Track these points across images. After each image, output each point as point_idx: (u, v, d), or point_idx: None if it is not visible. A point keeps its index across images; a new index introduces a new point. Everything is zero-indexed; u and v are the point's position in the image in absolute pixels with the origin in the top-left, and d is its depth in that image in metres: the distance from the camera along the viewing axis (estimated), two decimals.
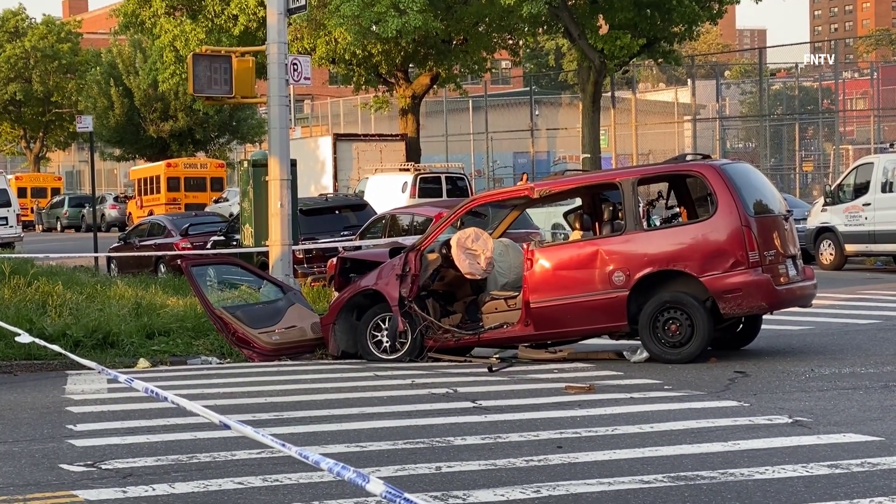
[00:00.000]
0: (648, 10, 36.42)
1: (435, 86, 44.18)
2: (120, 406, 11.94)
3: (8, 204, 39.84)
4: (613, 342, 15.56)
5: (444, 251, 15.28)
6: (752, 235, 14.06)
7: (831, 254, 28.25)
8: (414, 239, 17.44)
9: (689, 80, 58.45)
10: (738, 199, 14.14)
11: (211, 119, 62.84)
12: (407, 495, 4.65)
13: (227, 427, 6.10)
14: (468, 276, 15.21)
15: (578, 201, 16.88)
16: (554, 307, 14.49)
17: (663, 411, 10.88)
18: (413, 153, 42.25)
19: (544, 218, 28.88)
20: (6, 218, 39.47)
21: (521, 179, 36.79)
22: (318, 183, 42.32)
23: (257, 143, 66.58)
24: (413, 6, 34.10)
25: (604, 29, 36.97)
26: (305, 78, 18.89)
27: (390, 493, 4.68)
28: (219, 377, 14.23)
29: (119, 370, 13.67)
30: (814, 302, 15.81)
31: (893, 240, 27.04)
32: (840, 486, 7.87)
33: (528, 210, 19.27)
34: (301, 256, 22.65)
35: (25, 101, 77.50)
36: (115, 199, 64.40)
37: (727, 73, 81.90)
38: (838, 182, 29.08)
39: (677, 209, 15.73)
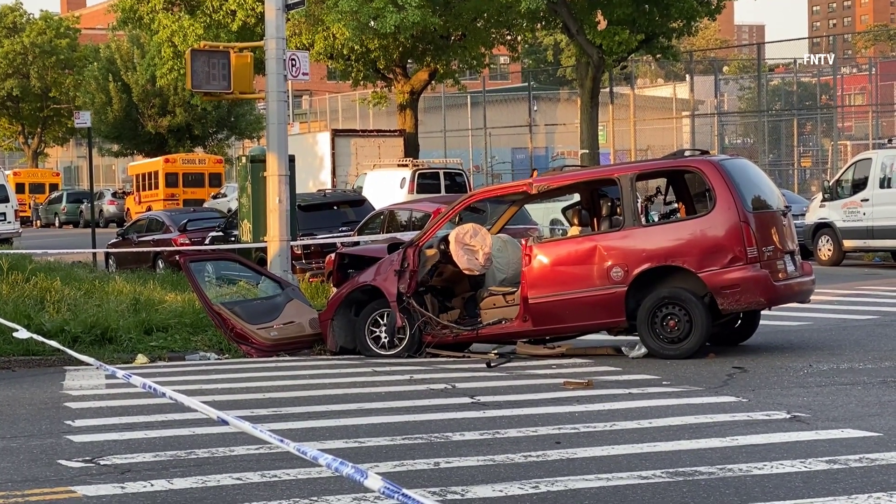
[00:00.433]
0: (647, 6, 36.41)
1: (433, 81, 44.17)
2: (118, 402, 11.94)
3: (6, 200, 39.81)
4: (612, 338, 15.55)
5: (442, 247, 15.27)
6: (751, 231, 14.06)
7: (829, 249, 28.26)
8: (412, 235, 17.45)
9: (687, 75, 58.48)
10: (737, 195, 14.14)
11: (209, 115, 62.82)
12: (405, 491, 4.65)
13: (225, 423, 6.10)
14: (466, 272, 15.21)
15: (577, 197, 16.88)
16: (552, 303, 14.49)
17: (661, 407, 10.88)
18: (411, 149, 42.24)
19: (543, 214, 28.89)
20: (4, 214, 39.44)
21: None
22: (316, 179, 42.30)
23: (255, 139, 66.59)
24: (411, 2, 34.07)
25: (602, 24, 36.96)
26: (304, 73, 18.88)
27: (388, 488, 4.68)
28: (217, 373, 14.23)
29: (117, 366, 13.66)
30: (812, 298, 15.80)
31: (891, 235, 27.05)
32: (838, 482, 7.87)
33: (526, 206, 19.27)
34: (299, 252, 22.64)
35: (23, 96, 77.47)
36: (114, 194, 64.37)
37: (725, 68, 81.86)
38: (836, 178, 29.09)
39: (675, 205, 15.73)
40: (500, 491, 7.81)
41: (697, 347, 14.10)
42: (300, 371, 14.19)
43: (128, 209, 58.91)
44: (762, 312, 15.41)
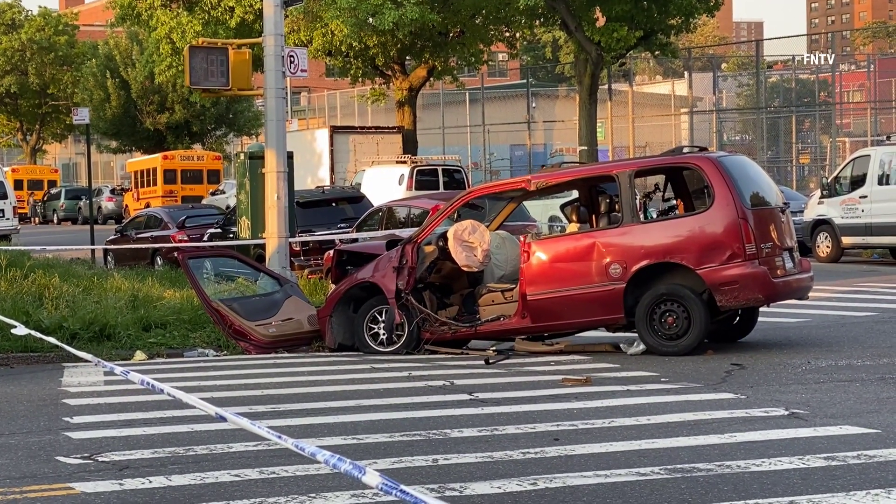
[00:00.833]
0: (645, 3, 36.38)
1: (431, 78, 44.13)
2: (116, 398, 11.93)
3: (4, 196, 39.80)
4: (610, 334, 15.57)
5: (440, 243, 15.27)
6: (749, 228, 14.05)
7: (828, 246, 28.27)
8: (411, 231, 17.44)
9: (685, 72, 58.48)
10: (735, 192, 14.13)
11: (207, 111, 62.78)
12: (403, 487, 4.65)
13: (223, 419, 6.09)
14: (465, 269, 15.21)
15: (575, 194, 16.87)
16: (551, 300, 14.49)
17: (660, 403, 10.89)
18: (410, 145, 42.22)
19: (541, 210, 28.87)
20: (3, 210, 39.43)
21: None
22: (314, 175, 42.28)
23: (254, 136, 66.52)
24: None
25: (601, 21, 36.92)
26: (302, 70, 18.87)
27: (387, 485, 4.68)
28: (215, 369, 14.23)
29: (116, 362, 13.67)
30: (810, 294, 15.81)
31: (890, 232, 27.05)
32: (836, 479, 7.87)
33: (524, 202, 19.27)
34: (298, 249, 22.64)
35: (22, 93, 77.43)
36: (112, 191, 64.36)
37: (724, 65, 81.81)
38: (835, 174, 29.09)
39: (674, 201, 15.73)
40: (499, 488, 7.81)
41: (696, 344, 14.10)
42: (298, 368, 14.18)
43: (126, 206, 58.89)
44: (761, 309, 15.41)
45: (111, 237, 31.85)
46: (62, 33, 77.71)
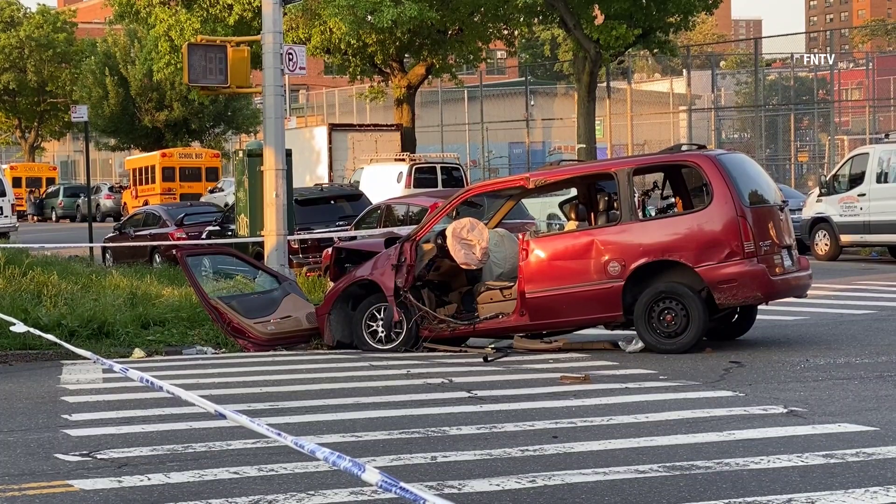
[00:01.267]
0: (644, 0, 36.37)
1: (430, 76, 44.11)
2: (115, 396, 11.93)
3: (3, 194, 39.78)
4: (609, 332, 15.57)
5: (439, 241, 15.27)
6: (748, 226, 14.06)
7: (826, 244, 28.27)
8: (409, 229, 17.44)
9: (684, 70, 58.50)
10: (734, 190, 14.13)
11: (206, 109, 62.76)
12: (403, 485, 4.65)
13: (222, 417, 6.09)
14: (464, 267, 15.21)
15: (574, 191, 16.87)
16: (549, 297, 14.49)
17: (658, 401, 10.89)
18: (408, 143, 42.20)
19: (540, 208, 28.87)
20: (1, 208, 39.41)
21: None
22: (313, 173, 42.26)
23: (252, 133, 66.53)
24: None
25: (599, 19, 36.92)
26: (301, 68, 18.86)
27: (386, 482, 4.68)
28: (214, 367, 14.23)
29: (114, 360, 13.66)
30: (809, 292, 15.82)
31: (888, 230, 27.06)
32: (835, 476, 7.87)
33: (523, 200, 19.26)
34: (296, 246, 22.63)
35: (20, 90, 77.37)
36: (111, 188, 64.34)
37: (723, 63, 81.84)
38: (833, 172, 29.09)
39: (673, 199, 15.73)
40: (497, 485, 7.81)
41: (694, 342, 14.10)
42: (297, 365, 14.18)
43: (125, 203, 58.86)
44: (759, 307, 15.41)
45: (110, 235, 31.83)
46: (61, 30, 77.66)
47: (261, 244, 19.18)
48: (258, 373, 13.54)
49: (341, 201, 25.65)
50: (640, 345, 14.34)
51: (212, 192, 52.15)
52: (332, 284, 16.50)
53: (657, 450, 8.81)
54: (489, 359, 14.09)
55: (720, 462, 8.32)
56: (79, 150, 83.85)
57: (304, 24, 39.79)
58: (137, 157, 61.35)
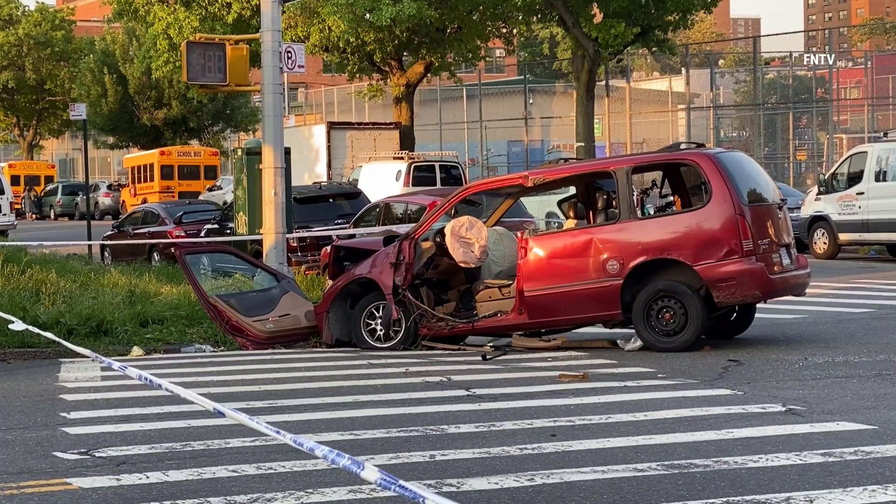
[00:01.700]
0: None
1: (429, 74, 44.13)
2: (114, 394, 11.93)
3: (1, 192, 39.76)
4: (607, 331, 15.57)
5: (438, 239, 15.27)
6: (746, 224, 14.05)
7: (825, 243, 28.28)
8: (408, 227, 17.44)
9: (683, 68, 58.48)
10: (732, 188, 14.13)
11: (205, 107, 62.73)
12: (402, 482, 4.65)
13: (221, 415, 6.09)
14: (462, 265, 15.20)
15: (573, 190, 16.87)
16: (548, 295, 14.49)
17: (657, 399, 10.89)
18: (407, 141, 42.21)
19: (538, 206, 28.87)
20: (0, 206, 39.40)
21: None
22: (311, 171, 42.27)
23: (251, 132, 66.48)
24: None
25: (598, 17, 36.91)
26: (299, 66, 18.85)
27: (385, 480, 4.68)
28: (213, 365, 14.23)
29: (113, 358, 13.65)
30: (807, 291, 15.82)
31: (887, 229, 27.07)
32: (833, 475, 7.88)
33: (522, 198, 19.26)
34: (295, 245, 22.63)
35: (19, 88, 77.34)
36: (109, 187, 64.30)
37: (721, 61, 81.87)
38: (832, 171, 29.09)
39: (671, 198, 15.73)
40: (496, 483, 7.81)
41: (693, 340, 14.10)
42: (296, 363, 14.18)
43: (123, 201, 58.83)
44: (758, 305, 15.41)
45: (108, 233, 31.82)
46: (59, 28, 77.61)
47: (259, 242, 19.18)
48: (257, 371, 13.54)
49: (340, 199, 25.65)
50: (639, 343, 14.34)
51: (210, 190, 52.12)
52: (330, 282, 16.50)
53: (656, 448, 8.81)
54: (488, 357, 14.09)
55: (719, 460, 8.32)
56: (77, 148, 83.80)
57: (303, 23, 39.79)
58: (136, 156, 61.31)
